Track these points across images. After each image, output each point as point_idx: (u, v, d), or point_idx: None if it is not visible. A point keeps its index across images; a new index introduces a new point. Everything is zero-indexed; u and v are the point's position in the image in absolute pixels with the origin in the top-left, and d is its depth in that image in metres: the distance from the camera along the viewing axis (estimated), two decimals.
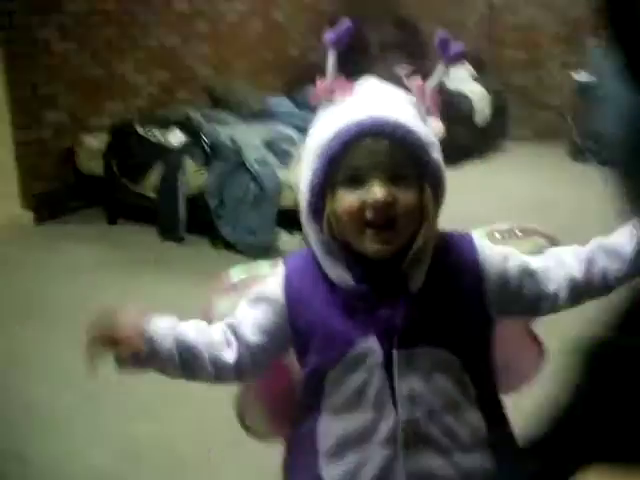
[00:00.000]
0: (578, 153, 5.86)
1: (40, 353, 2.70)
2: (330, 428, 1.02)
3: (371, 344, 0.97)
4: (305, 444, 1.05)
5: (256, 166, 3.61)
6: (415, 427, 0.98)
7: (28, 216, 4.14)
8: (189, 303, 3.22)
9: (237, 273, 1.16)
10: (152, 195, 3.90)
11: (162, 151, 3.98)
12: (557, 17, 6.20)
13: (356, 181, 0.93)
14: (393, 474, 0.99)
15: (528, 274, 1.03)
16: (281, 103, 4.78)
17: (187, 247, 3.78)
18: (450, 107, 5.45)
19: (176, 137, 4.08)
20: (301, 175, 1.00)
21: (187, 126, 4.10)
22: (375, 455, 0.99)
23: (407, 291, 0.97)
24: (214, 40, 5.40)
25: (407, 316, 0.96)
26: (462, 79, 5.94)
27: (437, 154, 0.96)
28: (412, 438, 0.98)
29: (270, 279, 1.06)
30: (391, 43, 6.09)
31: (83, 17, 4.29)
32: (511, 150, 6.24)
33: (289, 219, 3.61)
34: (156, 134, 4.12)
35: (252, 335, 1.03)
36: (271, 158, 3.74)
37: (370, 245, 0.94)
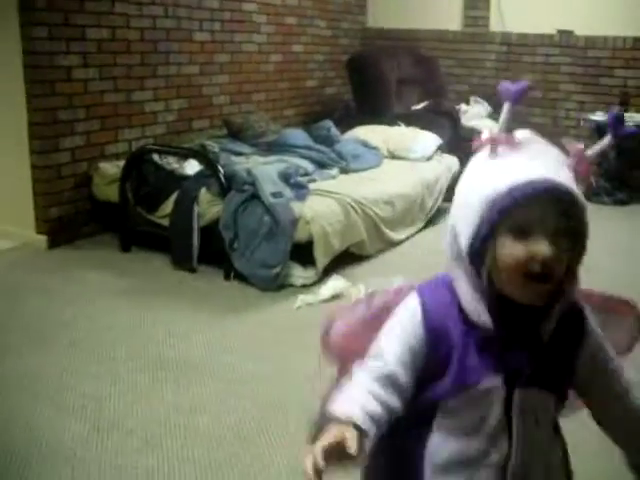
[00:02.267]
0: (593, 194, 5.85)
1: (50, 379, 2.69)
2: (442, 446, 1.11)
3: (497, 383, 1.07)
4: (409, 456, 1.14)
5: (271, 199, 3.61)
6: (524, 460, 1.09)
7: (42, 240, 4.15)
8: (199, 333, 3.24)
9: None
10: (166, 224, 3.89)
11: (177, 180, 3.99)
12: (574, 57, 6.22)
13: (522, 233, 1.00)
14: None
15: (614, 379, 1.13)
16: (298, 135, 4.80)
17: (200, 277, 3.77)
18: (466, 144, 5.47)
19: (192, 167, 4.09)
20: (461, 219, 1.06)
21: (203, 156, 4.12)
22: (482, 478, 1.10)
23: (538, 339, 1.06)
24: (232, 71, 5.44)
25: (534, 362, 1.07)
26: (479, 116, 5.95)
27: (587, 218, 1.03)
28: (520, 469, 1.09)
29: (405, 311, 1.11)
30: (410, 79, 6.12)
31: (105, 45, 4.33)
32: None
33: (303, 253, 3.61)
34: (172, 163, 4.14)
35: (404, 376, 1.08)
36: (287, 191, 3.74)
37: (528, 294, 1.02)
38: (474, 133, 5.56)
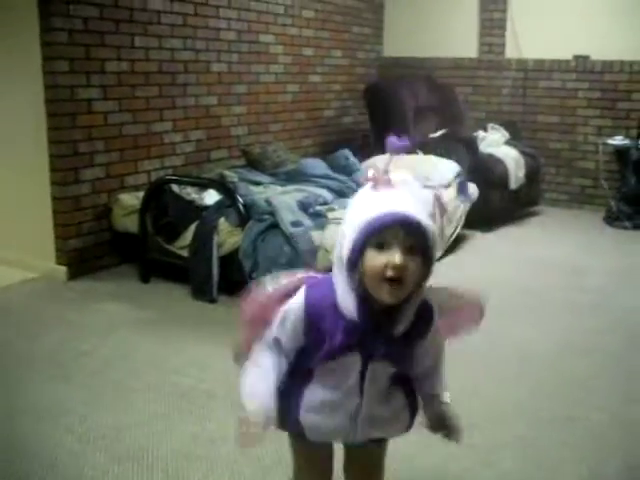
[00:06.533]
0: (614, 218, 5.81)
1: (70, 410, 2.68)
2: (316, 394, 1.51)
3: (356, 358, 1.46)
4: (292, 395, 1.53)
5: (291, 228, 3.60)
6: (369, 410, 1.51)
7: (62, 271, 4.17)
8: (219, 363, 3.21)
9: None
10: (185, 254, 3.90)
11: (197, 210, 4.00)
12: (591, 82, 6.22)
13: (382, 248, 1.34)
14: (350, 435, 1.55)
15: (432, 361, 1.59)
16: (316, 165, 4.81)
17: (219, 307, 3.76)
18: (484, 171, 5.45)
19: (211, 197, 4.10)
20: (343, 239, 1.40)
21: (222, 186, 4.13)
22: (339, 420, 1.52)
23: (390, 333, 1.43)
24: (250, 101, 5.48)
25: (385, 350, 1.44)
26: (496, 143, 5.94)
27: (433, 243, 1.37)
28: (367, 416, 1.52)
29: (294, 301, 1.48)
30: (427, 107, 6.13)
31: (124, 78, 4.38)
32: (545, 214, 6.20)
33: None
34: (191, 193, 4.15)
35: (287, 342, 1.50)
36: (306, 220, 3.74)
37: (385, 294, 1.35)
38: (493, 160, 5.57)
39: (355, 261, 1.36)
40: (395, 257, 1.32)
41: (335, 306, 1.42)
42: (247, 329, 1.57)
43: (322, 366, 1.49)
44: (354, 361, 1.46)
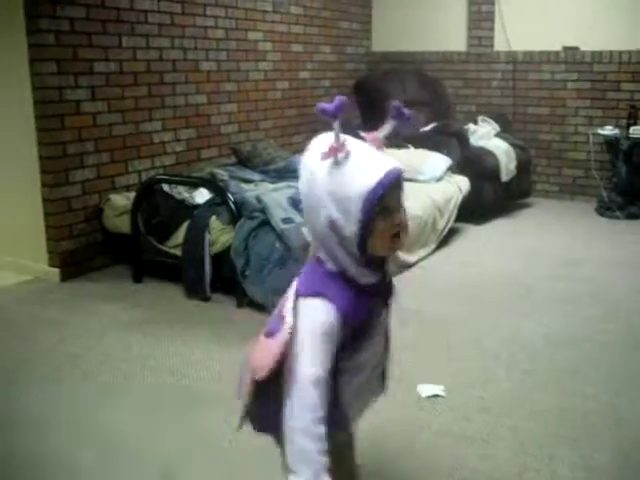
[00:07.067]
0: (605, 208, 5.82)
1: (64, 412, 2.67)
2: (350, 381, 1.47)
3: (383, 311, 1.52)
4: (331, 401, 1.41)
5: (282, 225, 3.60)
6: (388, 352, 1.63)
7: (55, 273, 4.16)
8: (214, 362, 3.21)
9: None
10: (178, 253, 3.90)
11: (188, 209, 3.99)
12: (580, 72, 6.23)
13: (387, 212, 1.35)
14: (370, 382, 1.57)
15: None
16: None
17: (213, 306, 3.76)
18: (476, 164, 5.46)
19: (202, 195, 4.10)
20: (339, 214, 1.34)
21: (213, 184, 4.13)
22: (374, 383, 1.60)
23: (385, 275, 1.49)
24: (240, 99, 5.48)
25: (392, 289, 1.54)
26: (487, 135, 5.95)
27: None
28: (384, 360, 1.63)
29: (323, 316, 1.37)
30: (417, 101, 6.13)
31: (113, 78, 4.37)
32: (537, 206, 6.22)
33: None
34: (182, 192, 4.15)
35: (328, 358, 1.38)
36: (297, 216, 3.74)
37: (396, 247, 1.40)
38: (484, 152, 5.57)
39: (365, 235, 1.34)
40: (401, 215, 1.38)
41: (357, 291, 1.40)
42: (257, 379, 1.48)
43: (353, 350, 1.45)
44: (385, 316, 1.52)
